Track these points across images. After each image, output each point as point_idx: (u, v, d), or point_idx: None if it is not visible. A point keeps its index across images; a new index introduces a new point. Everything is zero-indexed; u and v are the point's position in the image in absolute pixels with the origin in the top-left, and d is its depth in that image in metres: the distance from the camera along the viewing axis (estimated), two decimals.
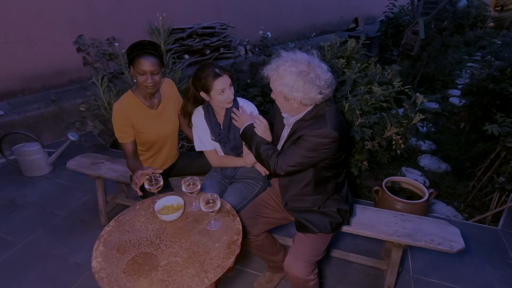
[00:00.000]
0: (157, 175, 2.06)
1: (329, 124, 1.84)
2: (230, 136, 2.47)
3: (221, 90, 2.27)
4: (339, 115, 1.96)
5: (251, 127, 2.16)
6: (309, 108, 1.96)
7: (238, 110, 2.39)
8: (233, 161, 2.57)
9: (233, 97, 2.34)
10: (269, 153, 1.99)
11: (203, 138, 2.55)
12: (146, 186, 2.00)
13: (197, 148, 2.61)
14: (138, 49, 2.28)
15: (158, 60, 2.33)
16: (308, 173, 2.02)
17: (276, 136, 2.23)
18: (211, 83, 2.25)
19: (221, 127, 2.48)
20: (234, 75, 2.39)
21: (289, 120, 2.07)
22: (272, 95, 2.01)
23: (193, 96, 2.43)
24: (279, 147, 2.16)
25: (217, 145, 2.55)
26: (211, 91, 2.28)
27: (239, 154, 2.53)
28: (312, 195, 2.09)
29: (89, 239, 3.21)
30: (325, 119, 1.87)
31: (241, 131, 2.21)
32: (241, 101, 2.50)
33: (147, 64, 2.27)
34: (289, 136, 2.02)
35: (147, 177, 2.04)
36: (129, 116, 2.40)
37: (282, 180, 2.17)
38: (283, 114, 2.12)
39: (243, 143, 2.37)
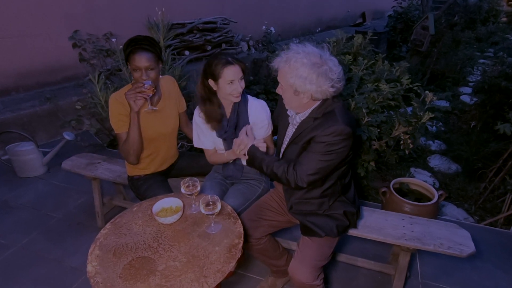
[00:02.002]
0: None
1: (341, 120, 1.83)
2: (237, 134, 2.40)
3: (230, 80, 2.21)
4: (347, 111, 1.95)
5: (253, 148, 2.07)
6: (316, 104, 1.95)
7: (247, 107, 2.37)
8: (221, 157, 2.55)
9: (241, 90, 2.28)
10: (284, 169, 1.94)
11: (202, 137, 2.54)
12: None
13: (195, 145, 2.60)
14: (133, 45, 2.27)
15: (154, 55, 2.32)
16: None
17: (280, 137, 2.21)
18: (220, 71, 2.20)
19: (227, 124, 2.42)
20: (248, 70, 2.33)
21: (295, 119, 2.05)
22: (279, 90, 1.98)
23: (203, 88, 2.36)
24: (282, 148, 2.14)
25: (217, 142, 2.52)
26: (220, 79, 2.22)
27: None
28: (318, 198, 2.08)
29: (85, 242, 3.21)
30: (335, 116, 1.86)
31: (247, 155, 2.12)
32: (251, 99, 2.46)
33: (141, 60, 2.27)
34: (295, 137, 2.00)
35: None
36: (127, 108, 2.38)
37: (287, 189, 2.16)
38: (288, 112, 2.11)
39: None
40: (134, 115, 2.33)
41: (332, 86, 1.83)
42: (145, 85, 2.24)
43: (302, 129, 1.96)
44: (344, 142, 1.84)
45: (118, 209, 3.54)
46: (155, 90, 2.32)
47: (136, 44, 2.27)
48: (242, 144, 2.07)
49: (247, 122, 2.38)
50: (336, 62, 1.88)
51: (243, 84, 2.29)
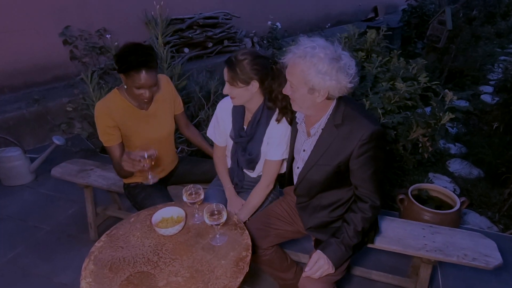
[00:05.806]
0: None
1: (369, 121, 1.84)
2: (248, 146, 2.38)
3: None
4: (362, 105, 1.94)
5: (331, 253, 1.91)
6: (331, 107, 1.92)
7: (269, 121, 2.30)
8: (224, 180, 2.56)
9: (226, 93, 2.24)
10: (360, 217, 1.92)
11: (216, 131, 2.53)
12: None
13: (208, 134, 2.60)
14: (133, 61, 2.19)
15: (155, 70, 2.29)
16: (336, 196, 2.03)
17: (296, 150, 2.17)
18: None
19: (245, 128, 2.38)
20: (235, 68, 2.22)
21: (311, 130, 2.01)
22: (287, 90, 1.93)
23: None
24: (300, 165, 2.10)
25: (229, 140, 2.49)
26: None
27: (253, 167, 2.46)
28: (342, 215, 2.06)
29: (76, 256, 3.19)
30: (360, 117, 1.85)
31: (334, 265, 1.92)
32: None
33: (146, 79, 2.23)
34: (319, 156, 1.96)
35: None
36: (114, 117, 2.36)
37: (304, 208, 2.16)
38: (297, 119, 2.09)
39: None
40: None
41: (350, 82, 1.81)
42: (142, 160, 2.09)
43: (327, 144, 1.93)
44: (383, 142, 1.86)
45: (112, 220, 3.52)
46: (154, 160, 2.16)
47: (138, 58, 2.19)
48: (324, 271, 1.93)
49: (261, 139, 2.34)
50: (349, 56, 1.86)
51: (228, 88, 2.21)
